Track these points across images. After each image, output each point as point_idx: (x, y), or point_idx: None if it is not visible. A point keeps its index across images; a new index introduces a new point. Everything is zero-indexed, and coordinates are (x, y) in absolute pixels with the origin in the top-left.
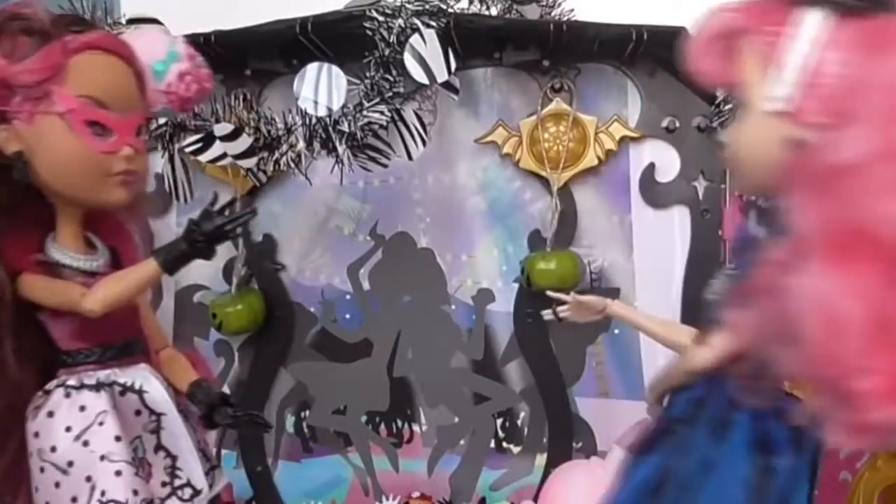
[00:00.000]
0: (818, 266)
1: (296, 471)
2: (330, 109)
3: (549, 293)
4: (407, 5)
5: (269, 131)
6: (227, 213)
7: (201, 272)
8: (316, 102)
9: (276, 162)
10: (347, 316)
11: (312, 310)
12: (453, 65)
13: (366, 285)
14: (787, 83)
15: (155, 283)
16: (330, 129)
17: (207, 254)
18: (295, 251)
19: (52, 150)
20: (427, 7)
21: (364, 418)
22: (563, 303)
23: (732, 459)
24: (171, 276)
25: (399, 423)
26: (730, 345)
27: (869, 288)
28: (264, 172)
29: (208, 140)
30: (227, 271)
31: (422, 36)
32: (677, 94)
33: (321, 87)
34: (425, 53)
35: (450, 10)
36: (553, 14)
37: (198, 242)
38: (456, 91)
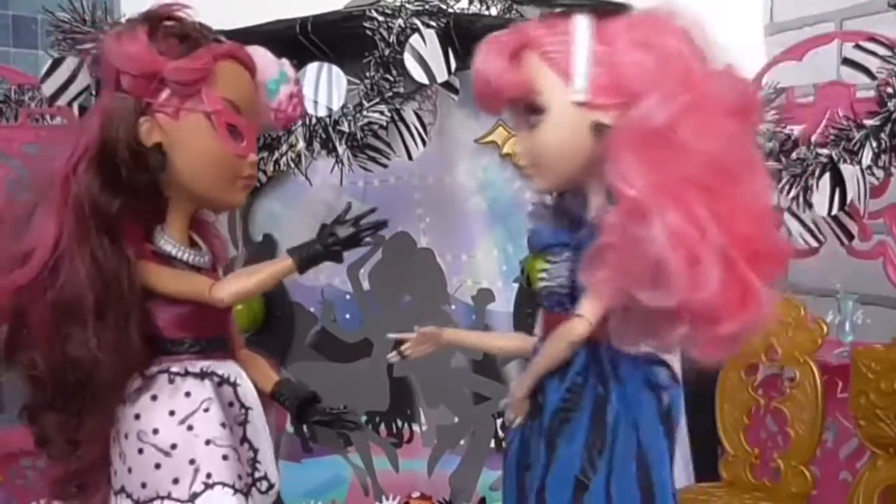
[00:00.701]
0: (664, 212)
1: (296, 471)
2: (330, 109)
3: (390, 335)
4: (407, 5)
5: (268, 132)
6: (362, 220)
7: None
8: (316, 102)
9: (276, 162)
10: (347, 316)
11: (312, 310)
12: (453, 65)
13: (366, 285)
14: (582, 77)
15: (286, 277)
16: (330, 129)
17: (339, 257)
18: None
19: (194, 146)
20: (427, 7)
21: (364, 418)
22: (403, 342)
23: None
24: (301, 274)
25: (399, 423)
26: (598, 308)
27: (707, 220)
28: (264, 172)
29: None
30: (227, 271)
31: (422, 36)
32: None
33: (321, 87)
34: (425, 53)
35: (450, 11)
36: (551, 14)
37: (333, 246)
38: (456, 91)
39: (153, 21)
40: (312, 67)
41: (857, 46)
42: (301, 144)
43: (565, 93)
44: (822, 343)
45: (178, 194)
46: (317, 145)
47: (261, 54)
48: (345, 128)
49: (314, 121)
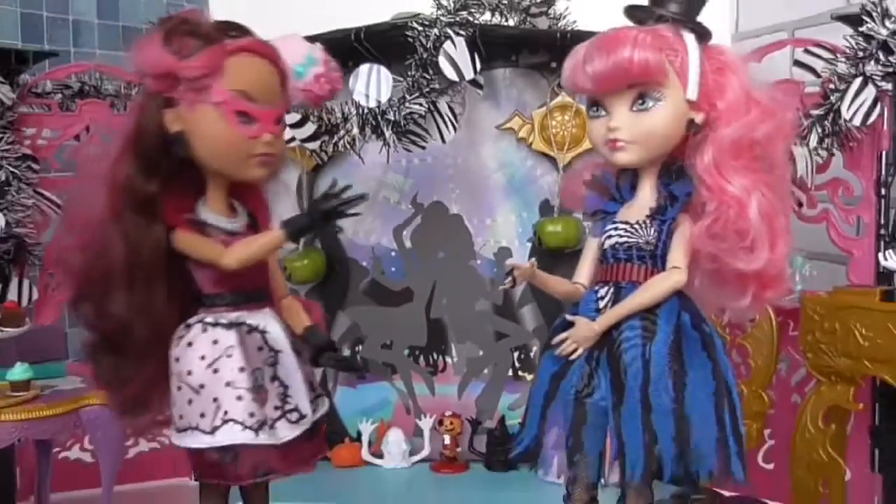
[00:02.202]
0: (755, 200)
1: (351, 395)
2: (379, 102)
3: (509, 262)
4: (441, 18)
5: (329, 119)
6: (342, 196)
7: None
8: (367, 96)
9: (335, 144)
10: (393, 269)
11: (364, 264)
12: (478, 66)
13: (408, 244)
14: (695, 82)
15: (278, 247)
16: (378, 117)
17: (324, 227)
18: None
19: (206, 132)
20: (457, 20)
21: (406, 352)
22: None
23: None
24: (294, 243)
25: (435, 355)
26: (688, 263)
27: (777, 206)
28: (325, 153)
29: None
30: None
31: (453, 43)
32: None
33: (372, 84)
34: (456, 56)
35: (476, 22)
36: (559, 25)
37: (318, 218)
38: (480, 87)
39: (168, 26)
40: (364, 68)
41: (806, 51)
42: (355, 130)
43: (681, 91)
44: None
45: (208, 171)
46: (368, 131)
47: (292, 43)
48: (391, 117)
49: (366, 111)
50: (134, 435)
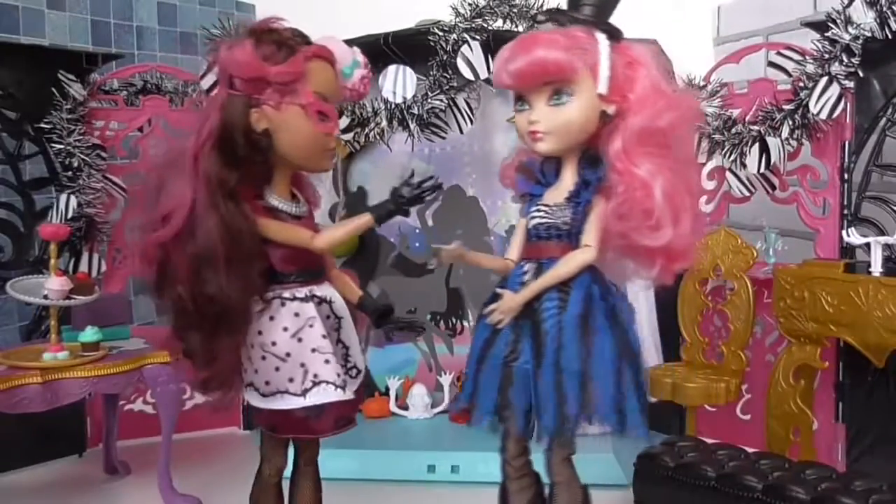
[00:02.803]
0: (659, 183)
1: (380, 354)
2: (404, 98)
3: (434, 245)
4: (459, 24)
5: (361, 113)
6: (423, 184)
7: None
8: (394, 93)
9: (367, 135)
10: (417, 244)
11: (392, 240)
12: (492, 66)
13: (430, 222)
14: (606, 77)
15: (369, 229)
16: (404, 111)
17: (406, 212)
18: (379, 198)
19: (294, 130)
20: (473, 26)
21: (428, 317)
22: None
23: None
24: (379, 226)
25: (453, 320)
26: (599, 241)
27: (681, 189)
28: (358, 143)
29: None
30: (332, 213)
31: (470, 46)
32: None
33: (398, 82)
34: (472, 58)
35: (489, 28)
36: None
37: (402, 203)
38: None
39: (257, 33)
40: (392, 68)
41: (779, 53)
42: (384, 123)
43: (592, 86)
44: (753, 263)
45: (281, 163)
46: (395, 123)
47: (338, 48)
48: (415, 111)
49: (393, 106)
50: (217, 410)
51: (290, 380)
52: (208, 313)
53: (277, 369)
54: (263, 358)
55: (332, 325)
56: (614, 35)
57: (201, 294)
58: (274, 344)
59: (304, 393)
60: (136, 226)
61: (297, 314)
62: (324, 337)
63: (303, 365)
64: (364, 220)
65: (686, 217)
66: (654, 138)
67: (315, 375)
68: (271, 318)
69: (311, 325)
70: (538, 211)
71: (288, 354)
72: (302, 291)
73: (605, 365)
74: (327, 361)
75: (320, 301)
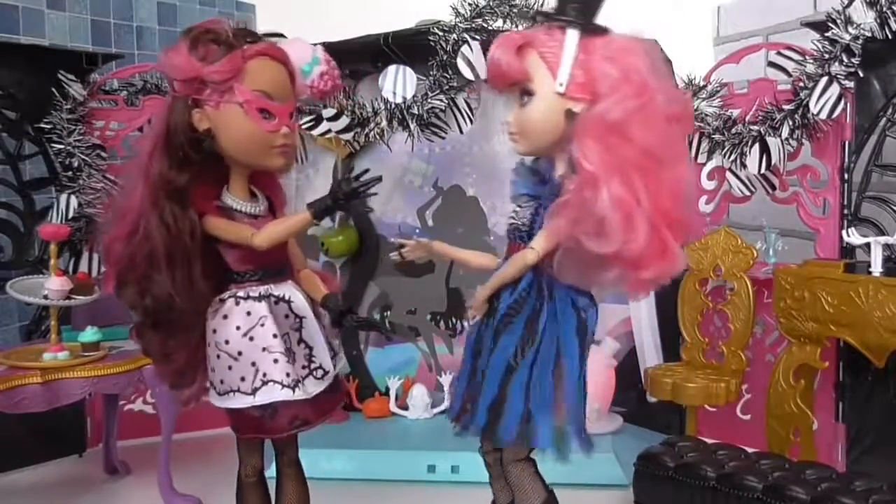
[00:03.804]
0: (610, 183)
1: (381, 354)
2: (404, 98)
3: (394, 239)
4: (459, 24)
5: (361, 113)
6: (361, 179)
7: None
8: (394, 93)
9: (367, 135)
10: None
11: (392, 240)
12: None
13: (430, 222)
14: (565, 75)
15: (306, 227)
16: (404, 111)
17: (346, 207)
18: (380, 198)
19: (233, 129)
20: (473, 26)
21: (428, 317)
22: (403, 246)
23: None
24: (318, 223)
25: (453, 320)
26: (547, 244)
27: (642, 193)
28: (358, 143)
29: (318, 120)
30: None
31: (469, 46)
32: None
33: (398, 82)
34: (472, 58)
35: (489, 28)
36: None
37: (339, 199)
38: None
39: (192, 35)
40: (392, 68)
41: (779, 53)
42: (384, 123)
43: (552, 84)
44: (753, 263)
45: (232, 163)
46: (395, 123)
47: (297, 46)
48: (415, 111)
49: (393, 106)
50: (185, 405)
51: (242, 378)
52: (156, 312)
53: (230, 368)
54: (218, 357)
55: (293, 325)
56: (596, 31)
57: (149, 294)
58: (227, 342)
59: (254, 392)
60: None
61: (248, 313)
62: (275, 336)
63: (254, 364)
64: (302, 216)
65: (641, 221)
66: (613, 131)
67: (264, 374)
68: (225, 317)
69: (262, 325)
70: (513, 212)
71: (240, 353)
72: (257, 290)
73: (495, 367)
74: (276, 361)
75: (277, 300)
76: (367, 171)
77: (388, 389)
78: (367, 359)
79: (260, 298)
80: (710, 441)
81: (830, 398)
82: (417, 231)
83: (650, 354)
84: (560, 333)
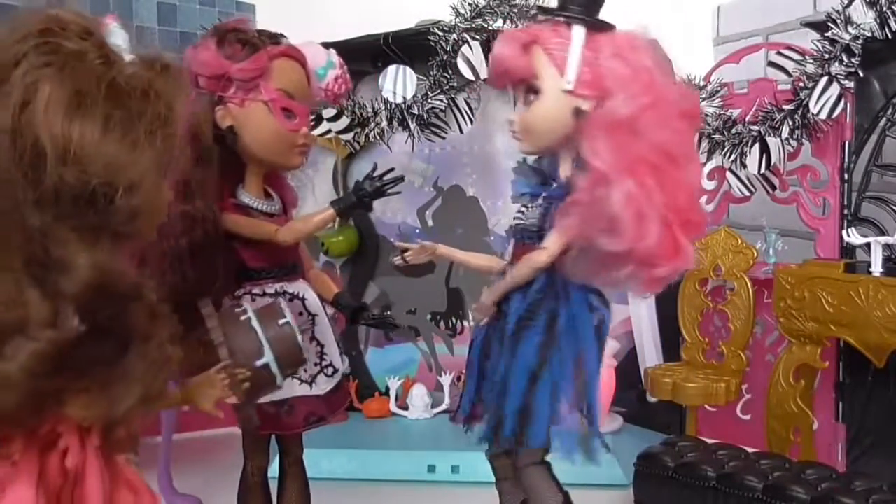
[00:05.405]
0: (622, 181)
1: (381, 355)
2: (405, 98)
3: (397, 244)
4: (459, 24)
5: (361, 113)
6: (385, 178)
7: None
8: (394, 93)
9: (367, 135)
10: (417, 244)
11: (392, 240)
12: None
13: (430, 222)
14: (572, 72)
15: (331, 222)
16: (404, 111)
17: (369, 205)
18: (390, 196)
19: (258, 126)
20: (473, 26)
21: (428, 317)
22: (406, 250)
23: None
24: (343, 219)
25: (453, 320)
26: (560, 245)
27: (653, 190)
28: (358, 143)
29: (318, 120)
30: None
31: (470, 46)
32: None
33: (398, 82)
34: (472, 58)
35: (489, 28)
36: None
37: (363, 197)
38: None
39: (220, 33)
40: (392, 68)
41: (779, 53)
42: (384, 123)
43: (558, 81)
44: (753, 263)
45: (251, 161)
46: (395, 123)
47: (313, 50)
48: (415, 111)
49: (393, 106)
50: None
51: None
52: (179, 305)
53: None
54: None
55: (305, 322)
56: (601, 28)
57: (173, 286)
58: None
59: None
60: None
61: None
62: None
63: None
64: (327, 213)
65: (653, 219)
66: (624, 128)
67: None
68: None
69: None
70: (518, 213)
71: None
72: (272, 288)
73: (517, 374)
74: None
75: (292, 297)
76: (392, 169)
77: (388, 389)
78: (367, 359)
79: (275, 295)
80: (710, 441)
81: (830, 398)
82: (417, 231)
83: (650, 354)
84: (579, 336)
